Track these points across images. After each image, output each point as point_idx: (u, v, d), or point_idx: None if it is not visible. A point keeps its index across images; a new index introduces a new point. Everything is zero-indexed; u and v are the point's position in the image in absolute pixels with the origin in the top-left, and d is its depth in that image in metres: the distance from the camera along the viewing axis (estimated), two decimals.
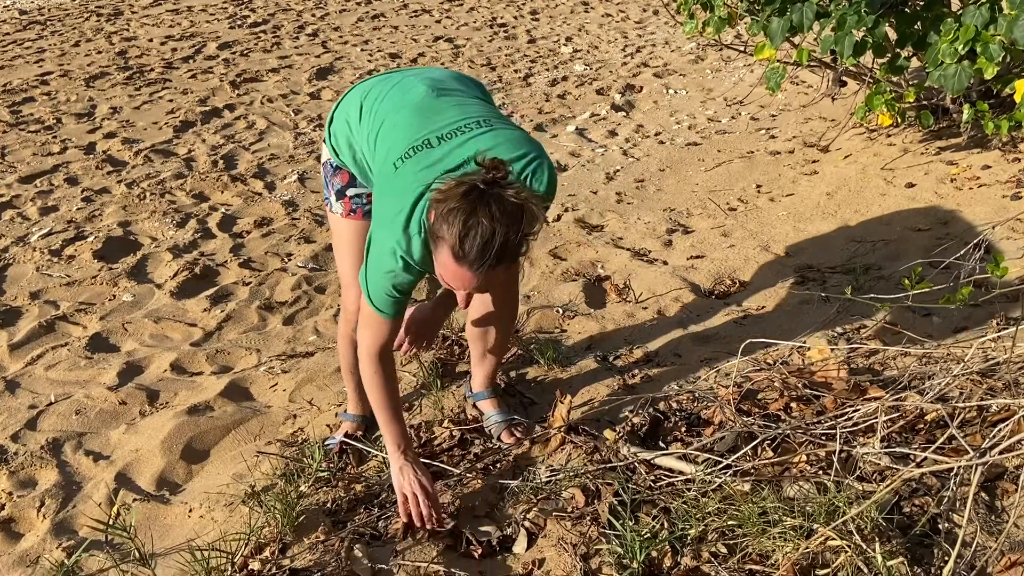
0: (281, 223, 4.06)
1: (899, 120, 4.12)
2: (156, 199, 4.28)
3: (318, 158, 4.90)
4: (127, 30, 7.36)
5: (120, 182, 4.47)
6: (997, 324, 2.29)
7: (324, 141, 2.14)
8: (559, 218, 3.97)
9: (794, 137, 4.83)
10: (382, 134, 1.92)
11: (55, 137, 5.11)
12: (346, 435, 2.41)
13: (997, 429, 1.80)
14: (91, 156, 4.84)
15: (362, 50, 7.07)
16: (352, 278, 2.21)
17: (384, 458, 2.29)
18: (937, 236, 3.31)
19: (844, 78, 4.37)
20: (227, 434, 2.54)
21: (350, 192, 2.12)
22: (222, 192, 4.42)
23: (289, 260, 3.70)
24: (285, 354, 2.98)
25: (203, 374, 2.89)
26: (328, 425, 2.53)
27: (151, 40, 7.12)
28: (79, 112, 5.54)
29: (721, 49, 6.56)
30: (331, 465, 2.31)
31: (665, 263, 3.46)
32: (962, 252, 2.59)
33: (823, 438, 2.07)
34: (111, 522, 1.86)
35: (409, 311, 2.60)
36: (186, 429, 2.52)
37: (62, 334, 3.15)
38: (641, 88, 6.09)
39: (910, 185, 3.82)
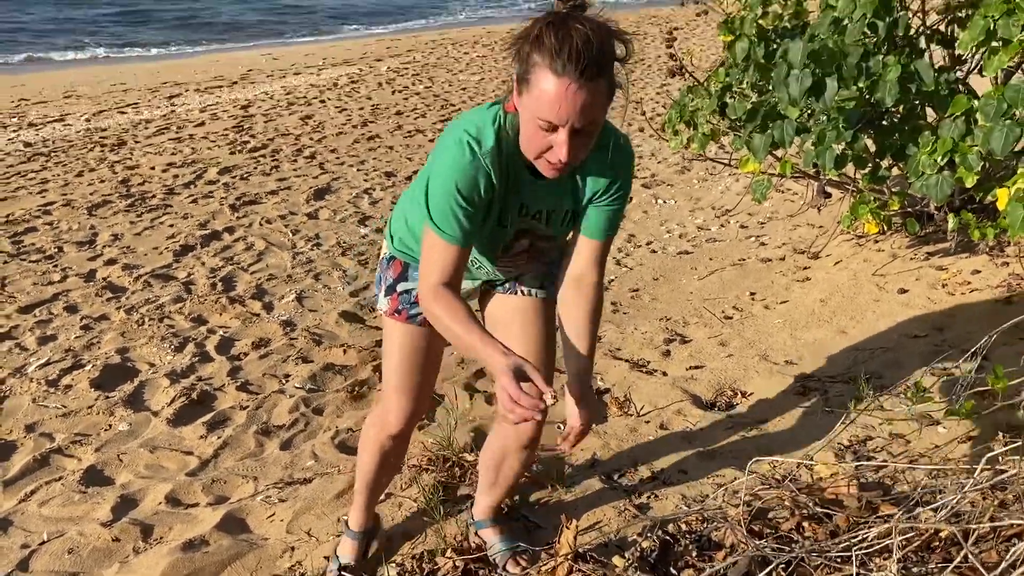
0: (279, 343, 4.07)
1: (885, 227, 4.21)
2: (155, 324, 4.29)
3: (316, 276, 4.96)
4: (130, 159, 7.55)
5: (119, 308, 4.50)
6: (1003, 437, 2.27)
7: (384, 237, 2.14)
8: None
9: (784, 244, 4.92)
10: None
11: (56, 266, 5.16)
12: (343, 567, 2.33)
13: (1013, 546, 1.76)
14: (91, 283, 4.88)
15: (358, 170, 7.26)
16: (393, 384, 2.13)
17: None
18: (935, 343, 3.33)
19: (828, 188, 4.49)
20: (223, 570, 2.46)
21: (400, 287, 2.08)
22: (220, 314, 4.44)
23: (287, 381, 3.68)
24: (283, 481, 2.93)
25: (199, 505, 2.82)
26: (326, 557, 2.46)
27: (153, 168, 7.30)
28: (80, 240, 5.63)
29: (707, 160, 6.76)
30: None
31: (664, 374, 3.46)
32: (960, 361, 2.60)
33: (838, 560, 2.01)
34: None
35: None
36: (180, 567, 2.45)
37: (56, 468, 3.09)
38: (631, 198, 6.23)
39: (903, 291, 3.87)
